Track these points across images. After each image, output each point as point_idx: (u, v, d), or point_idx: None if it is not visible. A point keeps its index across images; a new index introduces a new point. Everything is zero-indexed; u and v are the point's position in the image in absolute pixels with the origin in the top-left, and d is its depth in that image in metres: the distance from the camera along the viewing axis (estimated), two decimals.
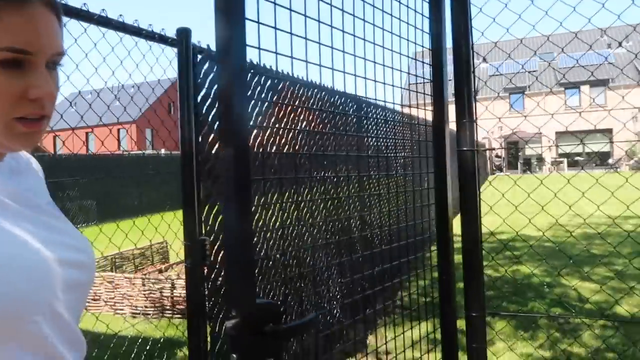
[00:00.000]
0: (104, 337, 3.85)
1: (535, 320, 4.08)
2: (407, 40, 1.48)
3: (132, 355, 3.46)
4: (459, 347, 1.79)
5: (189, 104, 2.11)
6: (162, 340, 3.87)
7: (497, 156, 29.95)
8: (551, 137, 27.38)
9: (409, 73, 1.49)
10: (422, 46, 1.56)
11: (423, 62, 1.57)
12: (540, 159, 27.47)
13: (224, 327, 2.17)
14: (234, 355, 0.91)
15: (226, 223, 0.93)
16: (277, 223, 2.42)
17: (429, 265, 1.88)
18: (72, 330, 0.72)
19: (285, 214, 2.59)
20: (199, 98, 2.12)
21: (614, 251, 5.83)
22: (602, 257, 3.50)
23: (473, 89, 1.59)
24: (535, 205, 2.49)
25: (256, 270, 2.10)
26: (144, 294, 4.74)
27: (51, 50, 0.69)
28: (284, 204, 2.41)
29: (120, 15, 1.80)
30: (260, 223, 2.30)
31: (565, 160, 27.98)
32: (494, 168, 27.48)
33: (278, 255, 2.41)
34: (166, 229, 3.34)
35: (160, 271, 5.71)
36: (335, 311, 3.15)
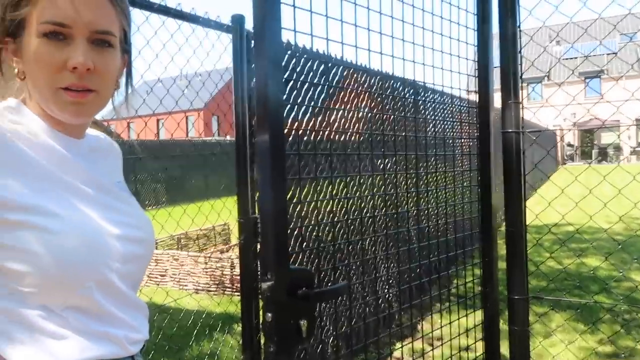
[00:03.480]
0: (172, 310, 4.15)
1: (597, 314, 3.90)
2: (450, 21, 1.48)
3: (197, 327, 3.71)
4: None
5: (243, 89, 2.22)
6: (222, 315, 4.11)
7: (568, 145, 28.17)
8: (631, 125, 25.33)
9: (451, 54, 1.49)
10: (467, 27, 1.55)
11: (467, 43, 1.57)
12: (617, 148, 25.49)
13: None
14: (269, 314, 0.99)
15: (261, 194, 1.01)
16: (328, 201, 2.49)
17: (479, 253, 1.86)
18: (126, 295, 0.82)
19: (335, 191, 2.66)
20: (252, 83, 2.22)
21: None
22: None
23: (519, 70, 1.56)
24: (608, 197, 2.30)
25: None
26: (206, 272, 5.02)
27: (91, 26, 0.75)
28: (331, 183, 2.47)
29: (179, 4, 1.94)
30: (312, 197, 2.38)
31: None
32: (566, 157, 25.94)
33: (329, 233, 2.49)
34: (230, 212, 3.51)
35: (222, 252, 5.99)
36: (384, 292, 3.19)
